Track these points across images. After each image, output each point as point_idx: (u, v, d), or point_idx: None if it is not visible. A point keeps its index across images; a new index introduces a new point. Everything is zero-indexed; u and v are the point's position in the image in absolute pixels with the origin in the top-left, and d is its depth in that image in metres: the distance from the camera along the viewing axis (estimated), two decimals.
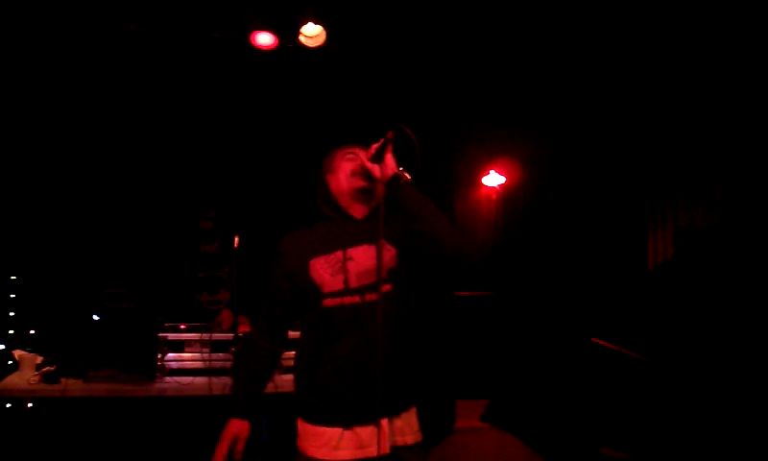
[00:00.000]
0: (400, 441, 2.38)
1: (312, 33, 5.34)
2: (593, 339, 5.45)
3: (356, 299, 2.37)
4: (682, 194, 6.88)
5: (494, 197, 7.44)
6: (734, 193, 6.31)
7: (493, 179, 7.30)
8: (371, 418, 2.32)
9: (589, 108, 6.77)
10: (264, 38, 5.36)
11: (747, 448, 4.27)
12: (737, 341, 4.67)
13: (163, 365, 4.01)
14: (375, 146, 2.37)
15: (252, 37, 5.33)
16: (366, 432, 2.33)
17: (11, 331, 5.30)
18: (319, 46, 5.40)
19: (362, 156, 2.46)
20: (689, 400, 4.65)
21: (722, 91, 5.99)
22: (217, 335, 4.11)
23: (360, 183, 2.47)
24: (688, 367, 4.75)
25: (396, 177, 2.34)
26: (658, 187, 7.07)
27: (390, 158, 2.36)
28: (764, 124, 5.73)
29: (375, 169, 2.38)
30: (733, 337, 4.70)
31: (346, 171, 2.51)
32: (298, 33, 5.33)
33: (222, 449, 2.34)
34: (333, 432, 2.34)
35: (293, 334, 3.97)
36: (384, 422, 2.34)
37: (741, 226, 5.94)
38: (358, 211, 2.52)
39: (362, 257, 2.41)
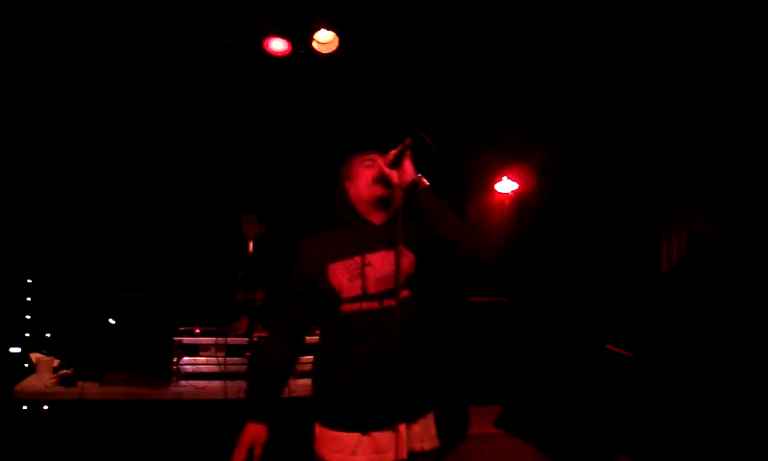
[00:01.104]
0: (418, 447, 2.39)
1: (325, 39, 5.37)
2: (607, 345, 5.43)
3: (374, 304, 2.38)
4: (696, 200, 6.84)
5: (507, 203, 7.44)
6: (749, 199, 6.27)
7: (506, 185, 7.30)
8: (388, 423, 2.32)
9: (603, 113, 6.75)
10: (277, 45, 5.38)
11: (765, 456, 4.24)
12: (755, 347, 4.64)
13: (178, 369, 4.02)
14: (393, 152, 2.38)
15: (265, 44, 5.36)
16: (384, 438, 2.34)
17: (27, 334, 5.34)
18: (332, 53, 5.42)
19: (380, 162, 2.46)
20: (703, 407, 4.63)
21: (738, 97, 5.96)
22: (232, 339, 4.12)
23: (379, 191, 2.48)
24: (704, 374, 4.73)
25: (415, 183, 2.35)
26: (672, 193, 7.04)
27: (408, 165, 2.37)
28: None
29: (394, 175, 2.38)
30: (751, 343, 4.67)
31: (365, 178, 2.52)
32: (311, 39, 5.35)
33: (240, 454, 2.34)
34: (351, 437, 2.35)
35: (310, 339, 4.01)
36: (402, 427, 2.34)
37: (754, 229, 5.91)
38: (377, 218, 2.53)
39: (380, 263, 2.42)
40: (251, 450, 2.37)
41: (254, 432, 2.39)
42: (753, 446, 4.32)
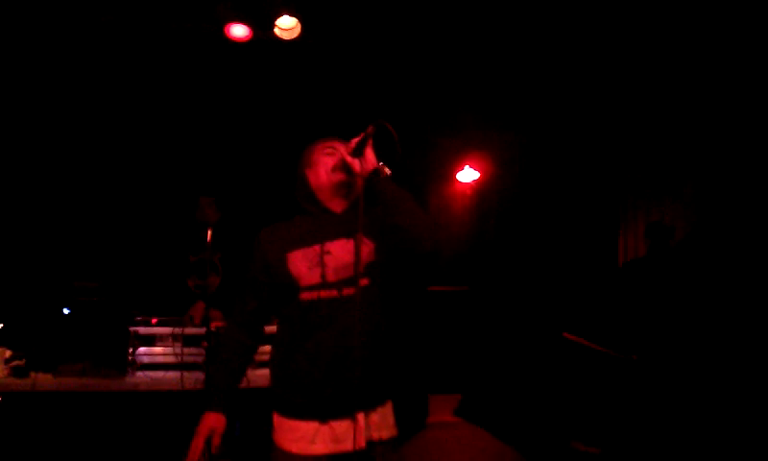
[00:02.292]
0: (376, 435, 2.38)
1: (287, 25, 5.31)
2: (565, 334, 5.49)
3: (333, 293, 2.36)
4: (653, 189, 6.94)
5: (469, 192, 7.47)
6: (705, 188, 6.39)
7: (468, 174, 7.33)
8: (347, 412, 2.31)
9: (561, 103, 6.82)
10: (238, 31, 5.32)
11: (717, 442, 4.33)
12: (708, 336, 4.73)
13: (134, 359, 3.97)
14: (355, 140, 2.37)
15: (226, 29, 5.29)
16: (342, 426, 2.32)
17: None
18: (294, 38, 5.37)
19: (341, 150, 2.45)
20: (660, 395, 4.71)
21: (692, 86, 6.06)
22: (189, 329, 4.07)
23: (340, 178, 2.46)
24: (659, 362, 4.81)
25: (377, 171, 2.35)
26: (629, 182, 7.14)
27: (370, 153, 2.37)
28: (734, 119, 5.81)
29: (356, 163, 2.37)
30: (704, 332, 4.77)
31: (326, 166, 2.49)
32: (273, 25, 5.30)
33: (198, 443, 2.32)
34: (309, 426, 2.33)
35: (269, 329, 3.98)
36: (360, 416, 2.33)
37: (713, 223, 6.02)
38: (337, 205, 2.52)
39: (340, 251, 2.40)
40: (209, 440, 2.35)
41: (212, 421, 2.37)
42: (707, 432, 4.41)
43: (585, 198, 7.22)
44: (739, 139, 5.77)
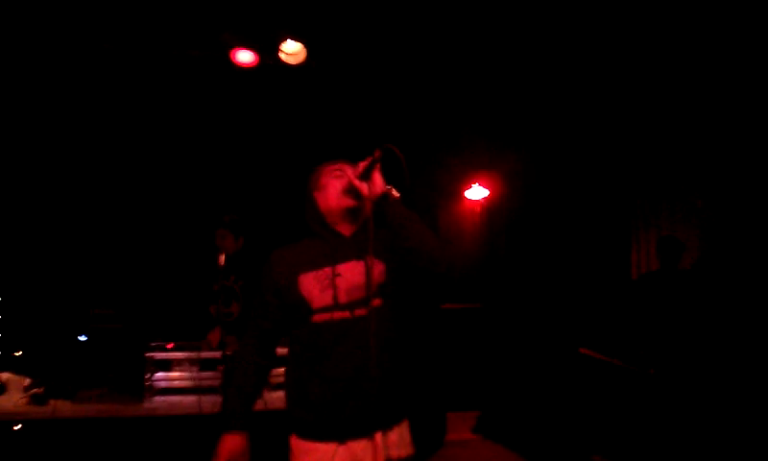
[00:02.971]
0: (395, 454, 2.38)
1: (292, 50, 5.36)
2: (581, 349, 5.48)
3: (346, 314, 2.38)
4: (664, 204, 6.93)
5: (479, 210, 7.48)
6: (715, 202, 6.38)
7: (477, 192, 7.34)
8: (364, 432, 2.32)
9: (571, 120, 6.83)
10: (244, 56, 5.37)
11: (734, 453, 4.31)
12: (723, 348, 4.72)
13: (151, 384, 3.99)
14: (363, 164, 2.39)
15: (232, 55, 5.34)
16: (360, 446, 2.33)
17: None
18: (299, 63, 5.42)
19: (350, 173, 2.47)
20: (678, 408, 4.69)
21: (702, 101, 6.06)
22: (205, 353, 4.09)
23: (349, 202, 2.48)
24: (677, 376, 4.79)
25: (385, 195, 2.37)
26: (640, 197, 7.13)
27: (378, 177, 2.38)
28: (744, 133, 5.80)
29: (364, 187, 2.39)
30: (720, 345, 4.75)
31: (335, 189, 2.51)
32: (278, 50, 5.35)
33: None
34: (327, 448, 2.34)
35: (281, 351, 3.99)
36: (378, 435, 2.34)
37: (728, 241, 6.02)
38: (346, 228, 2.53)
39: (351, 273, 2.42)
40: None
41: (232, 443, 2.38)
42: (726, 444, 4.38)
43: (596, 212, 7.21)
44: (749, 155, 5.76)
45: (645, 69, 5.95)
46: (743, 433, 4.35)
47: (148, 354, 4.00)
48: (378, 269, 2.44)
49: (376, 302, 2.40)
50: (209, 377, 4.03)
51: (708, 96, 5.97)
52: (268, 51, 5.41)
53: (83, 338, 4.18)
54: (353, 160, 2.50)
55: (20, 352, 5.22)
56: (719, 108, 5.96)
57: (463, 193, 7.41)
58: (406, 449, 2.46)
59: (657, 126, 6.60)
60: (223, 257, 3.99)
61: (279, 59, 5.40)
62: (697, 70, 5.79)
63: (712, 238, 6.29)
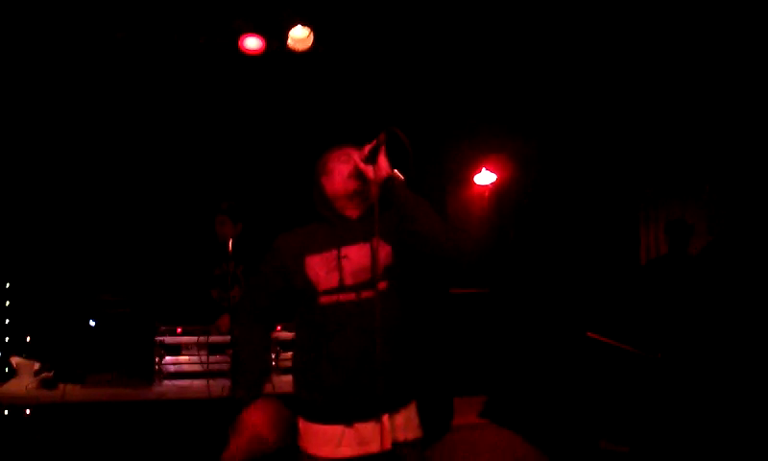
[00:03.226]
0: (402, 437, 2.40)
1: (300, 36, 5.34)
2: (588, 333, 5.47)
3: (352, 296, 2.40)
4: (672, 189, 6.92)
5: (487, 194, 7.47)
6: (722, 187, 6.37)
7: (486, 176, 7.32)
8: (372, 414, 2.33)
9: (579, 104, 6.79)
10: (252, 43, 5.36)
11: (743, 439, 4.31)
12: (732, 333, 4.71)
13: (161, 368, 4.01)
14: (368, 147, 2.40)
15: (240, 42, 5.33)
16: (367, 429, 2.35)
17: (6, 339, 5.29)
18: (306, 49, 5.40)
19: (355, 157, 2.47)
20: (686, 392, 4.69)
21: (710, 87, 6.03)
22: (214, 338, 4.11)
23: (355, 186, 2.48)
24: (684, 359, 4.79)
25: (390, 178, 2.37)
26: (649, 182, 7.11)
27: (383, 160, 2.38)
28: (751, 120, 5.78)
29: (369, 170, 2.40)
30: (728, 330, 4.74)
31: (341, 173, 2.51)
32: (285, 36, 5.33)
33: (240, 442, 2.32)
34: (335, 430, 2.36)
35: (290, 335, 4.01)
36: (385, 418, 2.35)
37: (739, 226, 6.01)
38: (353, 211, 2.54)
39: (357, 255, 2.44)
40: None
41: (253, 418, 2.36)
42: (733, 429, 4.39)
43: (604, 196, 7.18)
44: (756, 140, 5.74)
45: (655, 55, 5.91)
46: (751, 419, 4.35)
47: (157, 339, 4.02)
48: (385, 251, 2.45)
49: (382, 284, 2.41)
50: (218, 362, 4.05)
51: (717, 82, 5.93)
52: (275, 37, 5.39)
53: (92, 323, 4.20)
54: (362, 146, 2.50)
55: (29, 338, 5.27)
56: (728, 94, 5.93)
57: (471, 178, 7.39)
58: (414, 432, 2.47)
59: (666, 111, 6.57)
60: (231, 243, 4.01)
61: (287, 45, 5.39)
62: (706, 56, 5.75)
63: (720, 223, 6.28)
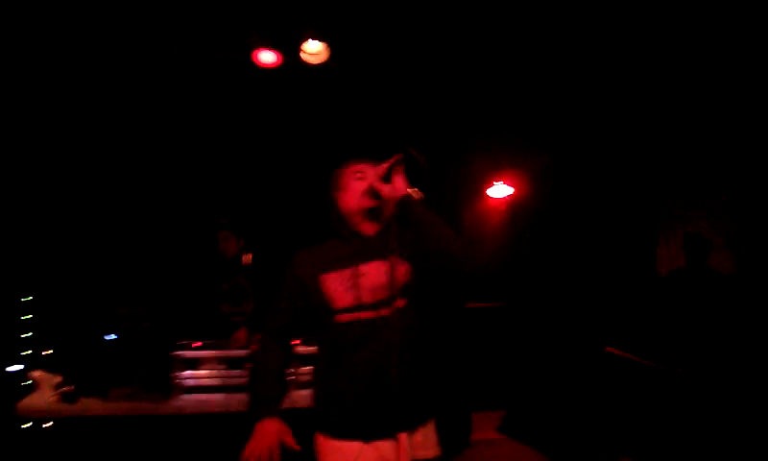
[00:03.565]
0: (420, 455, 2.40)
1: (314, 50, 5.37)
2: (607, 348, 5.44)
3: (369, 314, 2.40)
4: (691, 201, 6.88)
5: (502, 208, 7.45)
6: (739, 198, 6.33)
7: (501, 190, 7.31)
8: (390, 432, 2.34)
9: (596, 116, 6.78)
10: (267, 57, 5.39)
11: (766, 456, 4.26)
12: (753, 349, 4.66)
13: (180, 383, 4.03)
14: (384, 166, 2.40)
15: (254, 56, 5.36)
16: (385, 447, 2.35)
17: (28, 352, 5.34)
18: (321, 63, 5.43)
19: (370, 174, 2.49)
20: (707, 408, 4.64)
21: (726, 99, 6.00)
22: (232, 352, 4.13)
23: (369, 203, 2.49)
24: (705, 374, 4.74)
25: (407, 197, 2.37)
26: (667, 194, 7.07)
27: (399, 179, 2.39)
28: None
29: (386, 189, 2.40)
30: (749, 345, 4.70)
31: (355, 190, 2.53)
32: (300, 50, 5.36)
33: (256, 448, 2.27)
34: (353, 446, 2.36)
35: (308, 349, 4.01)
36: (403, 436, 2.35)
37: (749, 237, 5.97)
38: (368, 228, 2.54)
39: (374, 273, 2.44)
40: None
41: (270, 428, 2.32)
42: (755, 446, 4.34)
43: (621, 210, 7.15)
44: None
45: (673, 66, 5.90)
46: None
47: (176, 353, 4.04)
48: (402, 269, 2.45)
49: (400, 302, 2.42)
50: (236, 376, 4.06)
51: (736, 94, 5.90)
52: (290, 51, 5.42)
53: (111, 337, 4.23)
54: (376, 160, 2.51)
55: (50, 351, 5.31)
56: (746, 106, 5.90)
57: (486, 191, 7.38)
58: (432, 450, 2.47)
59: (684, 123, 6.54)
60: (248, 257, 4.03)
61: (301, 59, 5.41)
62: (725, 67, 5.73)
63: (737, 235, 6.23)
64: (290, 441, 2.32)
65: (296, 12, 5.30)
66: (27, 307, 5.52)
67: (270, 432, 2.31)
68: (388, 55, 5.83)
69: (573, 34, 5.63)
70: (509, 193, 7.32)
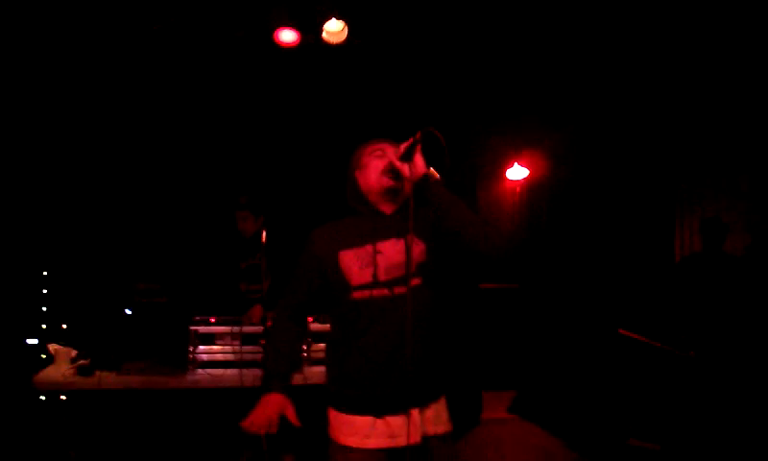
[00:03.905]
0: (431, 431, 2.42)
1: (334, 29, 5.35)
2: (620, 330, 5.44)
3: (385, 292, 2.41)
4: (708, 183, 6.84)
5: (519, 189, 7.44)
6: (760, 181, 6.27)
7: (518, 171, 7.29)
8: (401, 408, 2.36)
9: (613, 98, 6.73)
10: (287, 35, 5.38)
11: None
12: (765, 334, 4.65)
13: (195, 358, 4.07)
14: (404, 145, 2.41)
15: (275, 35, 5.35)
16: (397, 422, 2.37)
17: (44, 326, 5.41)
18: (341, 42, 5.41)
19: (390, 153, 2.50)
20: (718, 391, 4.64)
21: (747, 81, 5.94)
22: (247, 328, 4.16)
23: (390, 182, 2.50)
24: (717, 357, 4.74)
25: (426, 176, 2.39)
26: (684, 177, 7.03)
27: (419, 158, 2.40)
28: None
29: (405, 168, 2.41)
30: (763, 329, 4.68)
31: (375, 169, 2.54)
32: (320, 29, 5.35)
33: (257, 419, 2.35)
34: (365, 421, 2.39)
35: (321, 327, 4.04)
36: (415, 412, 2.37)
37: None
38: (387, 207, 2.56)
39: (391, 251, 2.45)
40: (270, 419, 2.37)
41: (274, 401, 2.39)
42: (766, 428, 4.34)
43: (639, 192, 7.12)
44: None
45: (690, 49, 5.84)
46: None
47: (192, 328, 4.08)
48: (419, 248, 2.46)
49: (415, 281, 2.42)
50: (251, 351, 4.10)
51: (757, 78, 5.84)
52: (310, 30, 5.41)
53: (128, 311, 4.27)
54: (395, 140, 2.52)
55: (65, 325, 5.37)
56: (762, 87, 5.85)
57: (503, 173, 7.37)
58: (443, 426, 2.49)
59: (701, 107, 6.48)
60: (264, 235, 4.05)
61: (322, 38, 5.40)
62: (742, 51, 5.67)
63: (758, 217, 6.19)
64: (291, 415, 2.38)
65: None
66: (43, 282, 5.58)
67: (272, 404, 2.38)
68: (407, 34, 5.80)
69: (592, 16, 5.59)
70: (525, 175, 7.31)
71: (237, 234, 5.05)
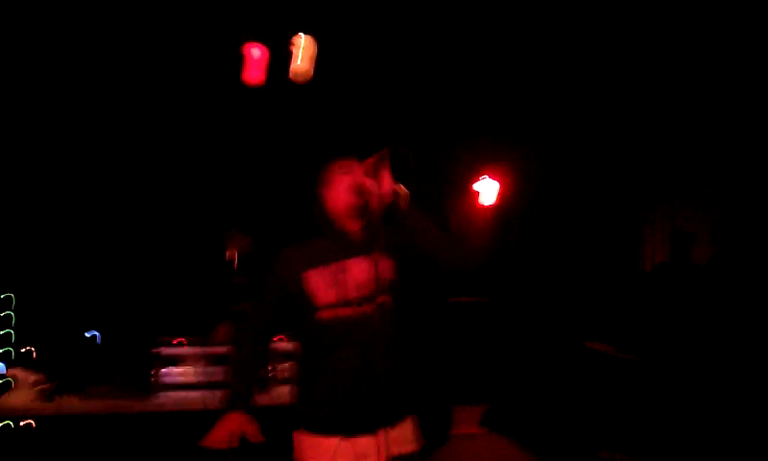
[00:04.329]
0: (396, 451, 2.38)
1: (301, 70, 5.36)
2: (587, 343, 5.47)
3: (352, 310, 2.39)
4: (674, 194, 6.91)
5: (487, 203, 7.45)
6: (724, 192, 6.36)
7: (486, 185, 7.31)
8: (368, 428, 2.33)
9: (582, 111, 6.79)
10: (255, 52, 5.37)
11: (745, 448, 4.29)
12: (733, 342, 4.69)
13: (158, 380, 4.01)
14: (371, 162, 2.40)
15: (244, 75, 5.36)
16: (363, 442, 2.34)
17: (6, 348, 5.29)
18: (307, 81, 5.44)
19: (357, 170, 2.47)
20: (686, 401, 4.68)
21: (711, 92, 6.03)
22: (212, 349, 4.11)
23: (356, 200, 2.47)
24: (685, 368, 4.78)
25: (393, 193, 2.37)
26: (650, 189, 7.10)
27: (386, 175, 2.37)
28: (753, 123, 5.78)
29: (372, 185, 2.39)
30: (729, 338, 4.73)
31: (341, 186, 2.51)
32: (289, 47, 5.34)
33: (217, 436, 2.34)
34: (331, 442, 2.35)
35: (288, 346, 4.00)
36: (382, 432, 2.35)
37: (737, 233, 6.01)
38: (353, 224, 2.52)
39: (357, 270, 2.43)
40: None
41: (236, 421, 2.37)
42: (735, 438, 4.37)
43: (607, 204, 7.18)
44: (756, 143, 5.74)
45: (656, 62, 5.92)
46: (753, 428, 4.33)
47: (155, 350, 4.02)
48: (385, 266, 2.44)
49: (383, 298, 2.40)
50: (215, 373, 4.05)
51: (721, 89, 5.93)
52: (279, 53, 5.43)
53: (92, 334, 4.21)
54: (362, 157, 2.50)
55: (30, 348, 5.26)
56: (729, 98, 5.93)
57: (472, 187, 7.38)
58: (409, 446, 2.45)
59: (668, 120, 6.57)
60: (236, 258, 4.02)
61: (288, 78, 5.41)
62: (709, 63, 5.76)
63: (722, 228, 6.27)
64: (253, 432, 2.36)
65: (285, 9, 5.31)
66: (5, 304, 5.47)
67: (232, 422, 2.36)
68: (375, 51, 5.82)
69: (559, 30, 5.65)
70: (494, 188, 7.33)
71: (221, 253, 5.00)
